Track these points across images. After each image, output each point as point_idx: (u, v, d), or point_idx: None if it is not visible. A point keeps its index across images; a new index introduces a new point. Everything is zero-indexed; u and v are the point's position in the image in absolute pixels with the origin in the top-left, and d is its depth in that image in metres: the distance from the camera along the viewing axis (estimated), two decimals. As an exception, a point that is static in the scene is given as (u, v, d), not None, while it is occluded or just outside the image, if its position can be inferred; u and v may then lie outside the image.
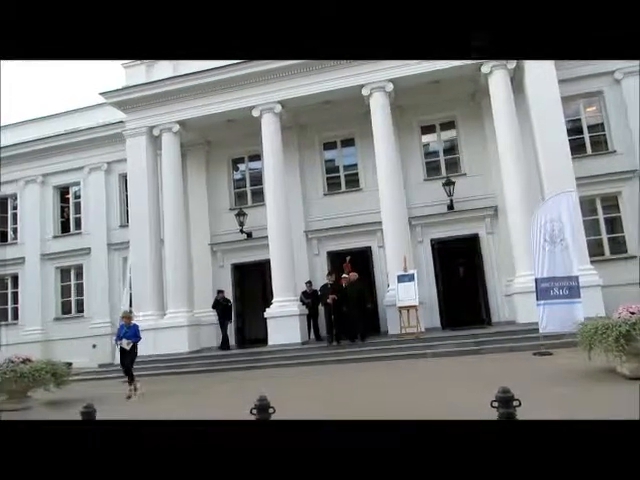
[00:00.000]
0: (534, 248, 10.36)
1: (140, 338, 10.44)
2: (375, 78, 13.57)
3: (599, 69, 14.10)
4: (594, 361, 7.36)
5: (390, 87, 13.63)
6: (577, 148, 14.35)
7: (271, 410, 4.05)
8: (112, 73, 26.24)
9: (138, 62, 14.92)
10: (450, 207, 14.52)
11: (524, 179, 12.63)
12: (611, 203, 14.26)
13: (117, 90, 14.96)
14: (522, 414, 3.44)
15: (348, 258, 13.24)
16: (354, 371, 10.22)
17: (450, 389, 7.40)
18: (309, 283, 14.14)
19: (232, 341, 15.39)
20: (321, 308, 13.46)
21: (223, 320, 14.26)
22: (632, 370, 7.01)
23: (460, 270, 15.98)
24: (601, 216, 14.19)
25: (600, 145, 14.54)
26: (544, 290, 10.12)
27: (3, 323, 18.08)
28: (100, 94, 15.01)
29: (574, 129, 14.70)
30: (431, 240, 14.80)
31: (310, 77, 13.96)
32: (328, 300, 12.50)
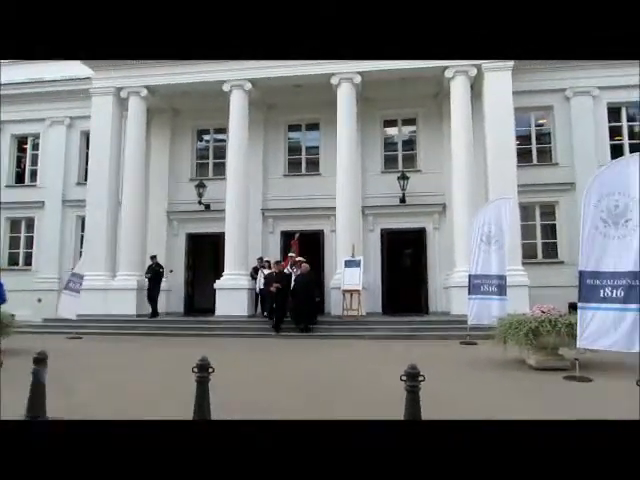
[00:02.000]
0: (472, 246, 11.20)
1: (5, 300, 8.98)
2: (345, 69, 13.98)
3: (552, 85, 15.09)
4: (510, 352, 8.26)
5: (358, 79, 14.11)
6: (525, 156, 15.41)
7: (211, 370, 4.60)
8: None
9: (111, 21, 14.85)
10: (402, 200, 15.27)
11: (471, 180, 13.47)
12: (549, 211, 15.37)
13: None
14: (429, 389, 4.09)
15: (297, 235, 13.79)
16: (291, 346, 10.83)
17: (375, 367, 8.14)
18: (260, 259, 14.61)
19: (180, 308, 15.82)
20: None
21: (154, 286, 14.23)
22: (538, 362, 7.91)
23: (406, 260, 16.80)
24: (538, 222, 15.29)
25: (545, 156, 15.59)
26: (476, 286, 10.97)
27: (-54, 269, 17.79)
28: (69, 48, 14.79)
29: (525, 138, 15.75)
30: (381, 230, 15.56)
31: (283, 60, 14.25)
32: (272, 288, 12.41)
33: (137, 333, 12.92)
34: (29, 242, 17.62)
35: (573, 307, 14.49)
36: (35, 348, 4.79)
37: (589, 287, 7.21)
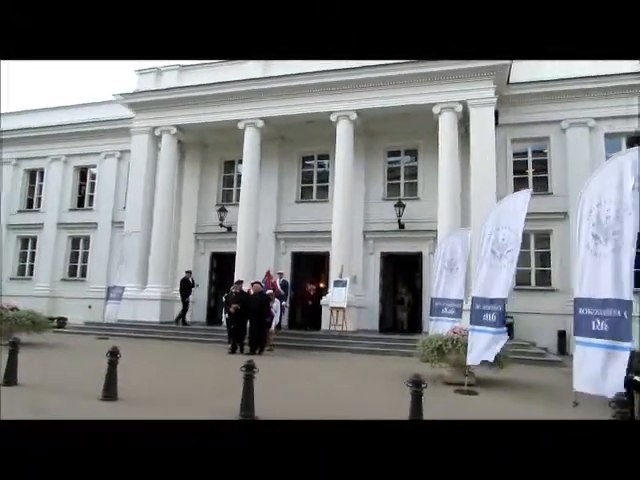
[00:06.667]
0: (436, 272, 12.19)
1: None
2: (341, 107, 15.55)
3: (548, 117, 15.65)
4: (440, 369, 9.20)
5: (354, 116, 15.58)
6: (523, 184, 16.00)
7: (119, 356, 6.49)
8: (121, 71, 29.00)
9: (149, 69, 17.54)
10: (401, 226, 16.38)
11: (454, 210, 14.41)
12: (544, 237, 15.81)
13: (128, 93, 17.55)
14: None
15: (268, 269, 15.33)
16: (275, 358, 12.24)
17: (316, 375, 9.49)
18: (281, 274, 16.08)
19: (203, 318, 17.84)
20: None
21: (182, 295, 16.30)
22: (448, 377, 8.90)
23: (403, 282, 17.78)
24: (533, 250, 15.77)
25: (542, 185, 16.06)
26: (436, 308, 11.93)
27: (20, 277, 21.32)
28: (114, 95, 17.60)
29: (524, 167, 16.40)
30: (381, 253, 16.75)
31: (291, 99, 16.08)
32: (230, 309, 12.43)
33: (157, 337, 14.97)
34: (85, 257, 20.62)
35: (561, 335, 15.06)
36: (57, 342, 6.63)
37: (476, 311, 8.23)
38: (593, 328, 5.57)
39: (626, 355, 5.24)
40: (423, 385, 5.32)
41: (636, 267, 14.08)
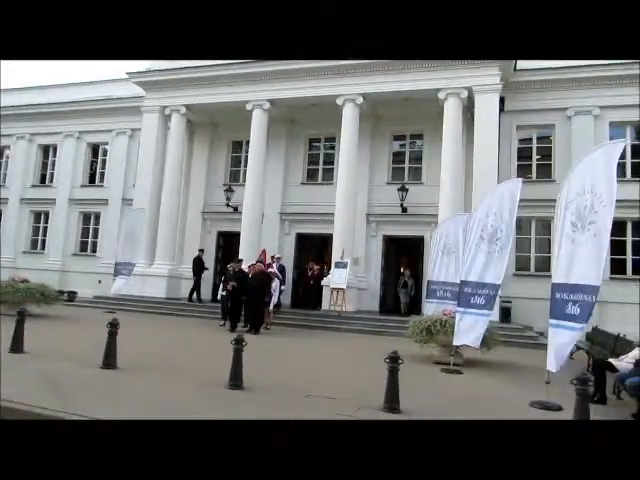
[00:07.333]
0: (433, 256, 12.43)
1: None
2: (348, 90, 15.69)
3: (554, 105, 15.67)
4: (429, 349, 9.54)
5: (360, 100, 15.72)
6: (526, 171, 16.13)
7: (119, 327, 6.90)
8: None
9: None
10: (404, 210, 16.59)
11: (456, 195, 14.60)
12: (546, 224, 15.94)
13: (140, 72, 17.81)
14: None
15: (262, 249, 15.68)
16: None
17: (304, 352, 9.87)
18: (272, 257, 16.58)
19: (208, 295, 18.27)
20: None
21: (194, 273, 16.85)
22: (437, 356, 9.23)
23: (406, 266, 18.03)
24: (533, 236, 15.92)
25: (546, 172, 16.15)
26: (432, 291, 12.19)
27: (33, 251, 21.93)
28: (127, 73, 17.87)
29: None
30: (383, 236, 17.00)
31: (297, 82, 16.25)
32: (228, 287, 12.57)
33: (162, 312, 15.43)
34: (95, 233, 21.12)
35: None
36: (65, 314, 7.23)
37: (465, 294, 8.50)
38: (567, 311, 5.76)
39: (577, 335, 5.62)
40: (400, 361, 5.63)
41: (618, 254, 13.94)
